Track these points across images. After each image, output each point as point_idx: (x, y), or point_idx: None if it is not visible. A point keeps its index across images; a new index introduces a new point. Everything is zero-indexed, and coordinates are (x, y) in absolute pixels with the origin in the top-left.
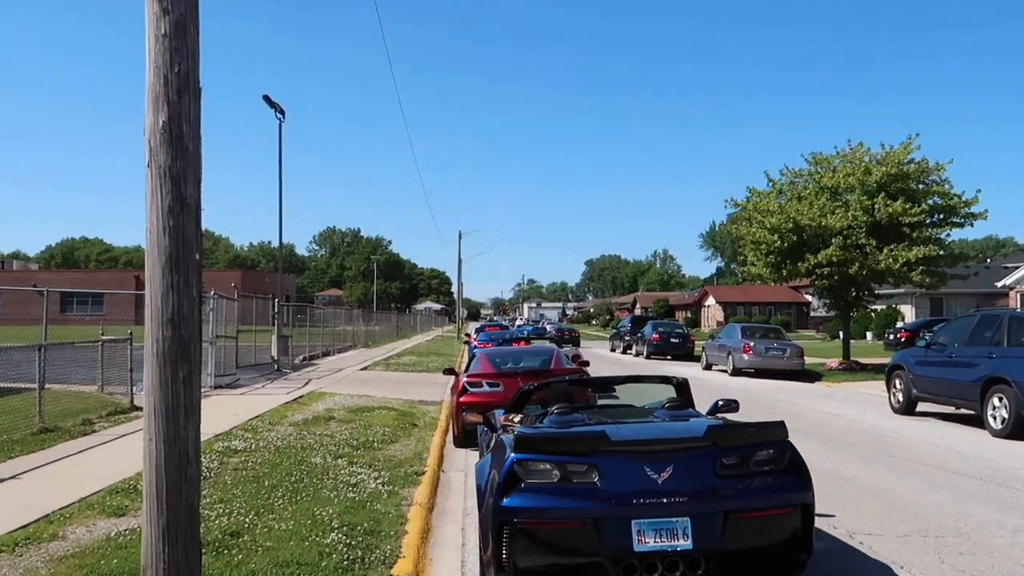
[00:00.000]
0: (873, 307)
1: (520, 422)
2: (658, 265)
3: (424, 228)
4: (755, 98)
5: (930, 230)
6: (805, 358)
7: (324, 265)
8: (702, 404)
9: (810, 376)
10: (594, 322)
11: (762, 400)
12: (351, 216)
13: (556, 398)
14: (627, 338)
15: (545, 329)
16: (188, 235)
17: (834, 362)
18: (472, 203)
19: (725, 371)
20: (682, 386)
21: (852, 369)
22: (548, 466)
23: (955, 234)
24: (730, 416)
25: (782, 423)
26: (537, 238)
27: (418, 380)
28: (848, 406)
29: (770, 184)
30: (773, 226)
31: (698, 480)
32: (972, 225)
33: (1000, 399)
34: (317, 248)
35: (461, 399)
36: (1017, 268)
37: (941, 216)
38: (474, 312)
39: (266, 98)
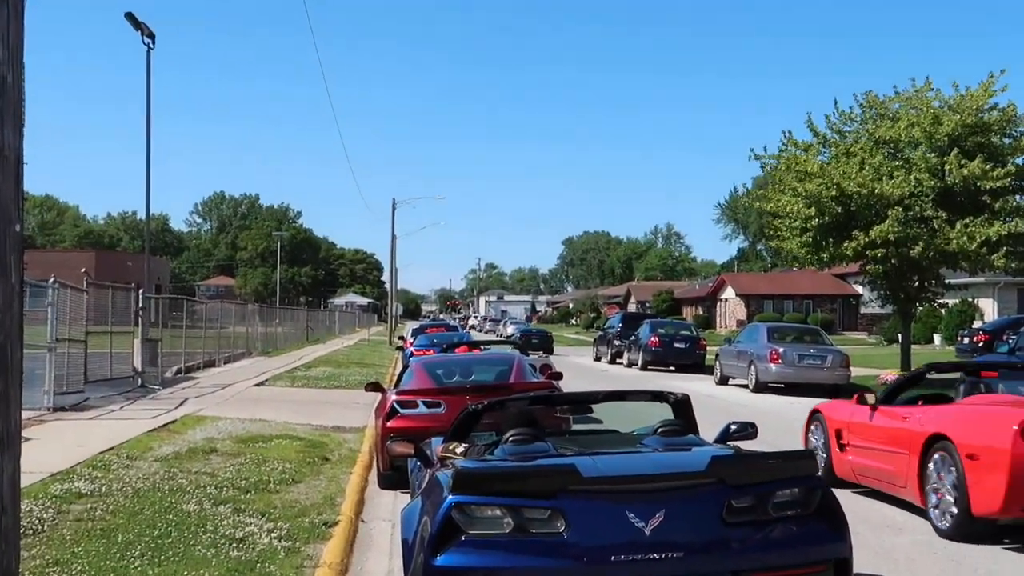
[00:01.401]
0: (943, 301)
1: (464, 453)
2: (660, 245)
3: (345, 197)
4: (791, 29)
5: (1018, 199)
6: (852, 368)
7: (209, 244)
8: (711, 430)
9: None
10: (574, 321)
11: (793, 426)
12: (247, 181)
13: (514, 422)
14: (616, 343)
15: (509, 332)
16: (3, 198)
17: (891, 374)
18: (413, 168)
19: (746, 386)
20: (681, 405)
21: None
22: (498, 511)
23: None
24: (745, 445)
25: (811, 453)
26: (498, 211)
27: (333, 399)
28: None
29: (812, 134)
30: (812, 193)
31: (699, 529)
32: None
33: None
34: (200, 221)
35: (388, 424)
36: None
37: None
38: (413, 308)
39: (130, 16)
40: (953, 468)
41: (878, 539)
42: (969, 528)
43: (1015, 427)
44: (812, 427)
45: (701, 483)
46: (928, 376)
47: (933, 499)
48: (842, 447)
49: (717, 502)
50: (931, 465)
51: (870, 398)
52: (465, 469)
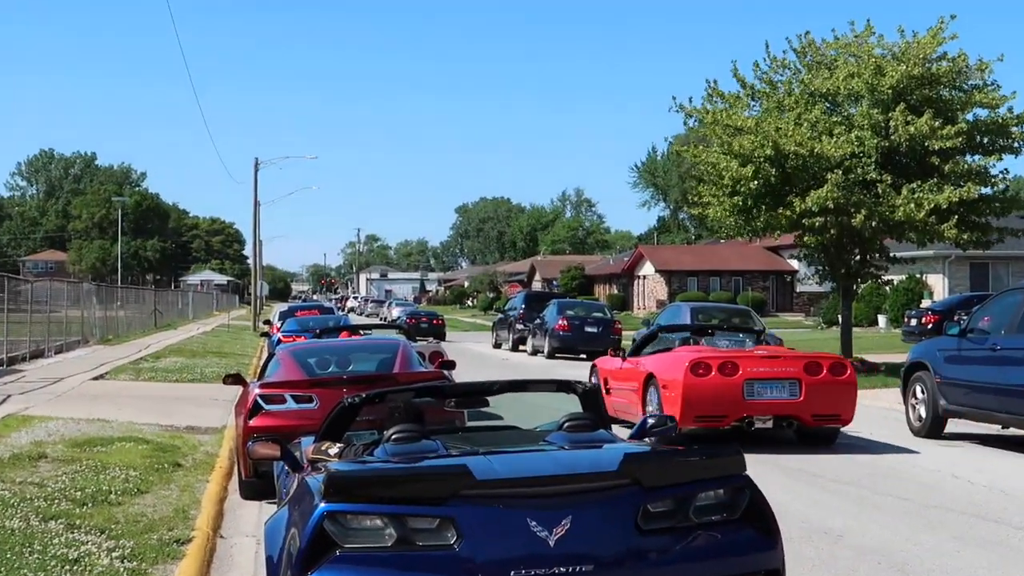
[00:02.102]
0: (888, 278)
1: (338, 455)
2: (569, 215)
3: (199, 157)
4: None
5: (970, 160)
6: None
7: (36, 212)
8: (628, 427)
9: None
10: (470, 302)
11: None
12: (80, 137)
13: (398, 418)
14: (519, 327)
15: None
16: None
17: None
18: (278, 128)
19: None
20: (590, 396)
21: (856, 371)
22: (378, 521)
23: (1009, 166)
24: (664, 441)
25: (736, 449)
26: (381, 175)
27: (187, 395)
28: (849, 427)
29: (739, 85)
30: (745, 151)
31: (610, 538)
32: None
33: None
34: (24, 185)
35: (250, 422)
36: None
37: (987, 139)
38: (282, 288)
39: None
40: (656, 395)
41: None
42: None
43: (686, 365)
44: (592, 378)
45: (613, 485)
46: (660, 335)
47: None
48: (608, 391)
49: (631, 507)
50: (647, 395)
51: (622, 353)
52: (339, 472)
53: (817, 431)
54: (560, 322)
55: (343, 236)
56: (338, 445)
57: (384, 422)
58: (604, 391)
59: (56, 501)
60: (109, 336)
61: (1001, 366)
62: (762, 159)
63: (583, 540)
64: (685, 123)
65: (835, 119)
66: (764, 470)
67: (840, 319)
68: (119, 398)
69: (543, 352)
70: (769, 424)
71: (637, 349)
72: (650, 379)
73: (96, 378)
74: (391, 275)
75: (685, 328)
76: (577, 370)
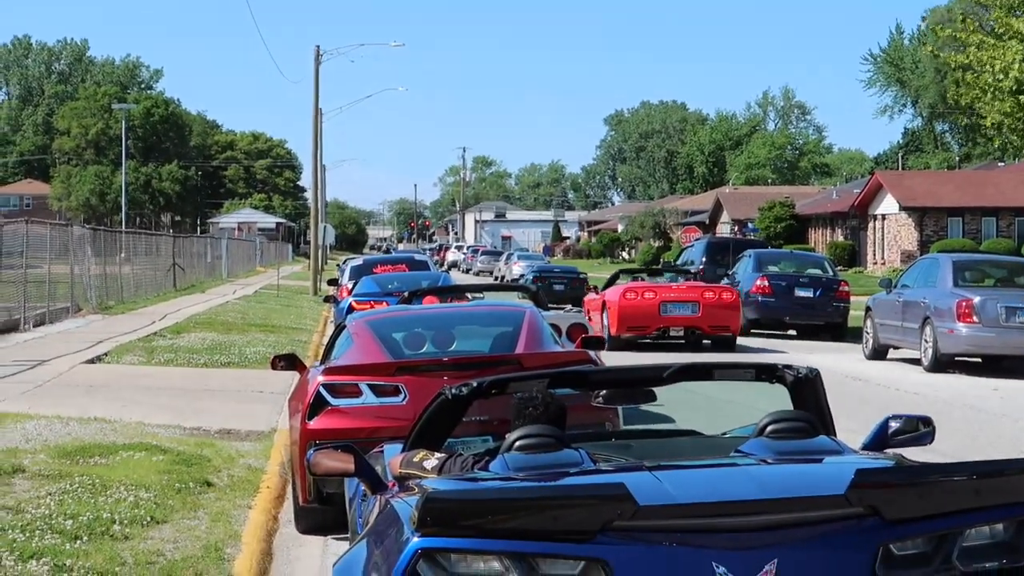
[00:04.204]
0: None
1: (438, 470)
2: (772, 126)
3: (234, 48)
4: None
5: None
6: None
7: (5, 126)
8: (860, 432)
9: None
10: (626, 254)
11: (999, 426)
12: (69, 21)
13: (524, 418)
14: None
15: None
16: None
17: None
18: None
19: (918, 361)
20: (806, 387)
21: None
22: (495, 564)
23: None
24: (913, 454)
25: (1023, 462)
26: (495, 73)
27: (220, 385)
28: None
29: None
30: None
31: None
32: None
33: None
34: None
35: (311, 423)
36: None
37: None
38: (355, 234)
39: None
40: (605, 314)
41: None
42: (614, 343)
43: (621, 292)
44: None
45: (839, 516)
46: (621, 275)
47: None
48: (589, 319)
49: (866, 547)
50: (602, 315)
51: (595, 289)
52: (439, 494)
53: (714, 337)
54: (758, 282)
55: (442, 161)
56: (437, 455)
57: (504, 423)
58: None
59: (38, 533)
60: (110, 302)
61: None
62: None
63: None
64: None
65: None
66: None
67: None
68: (124, 389)
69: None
70: (681, 333)
71: (606, 286)
72: (603, 304)
73: (92, 360)
74: (511, 215)
75: (640, 270)
76: (786, 352)
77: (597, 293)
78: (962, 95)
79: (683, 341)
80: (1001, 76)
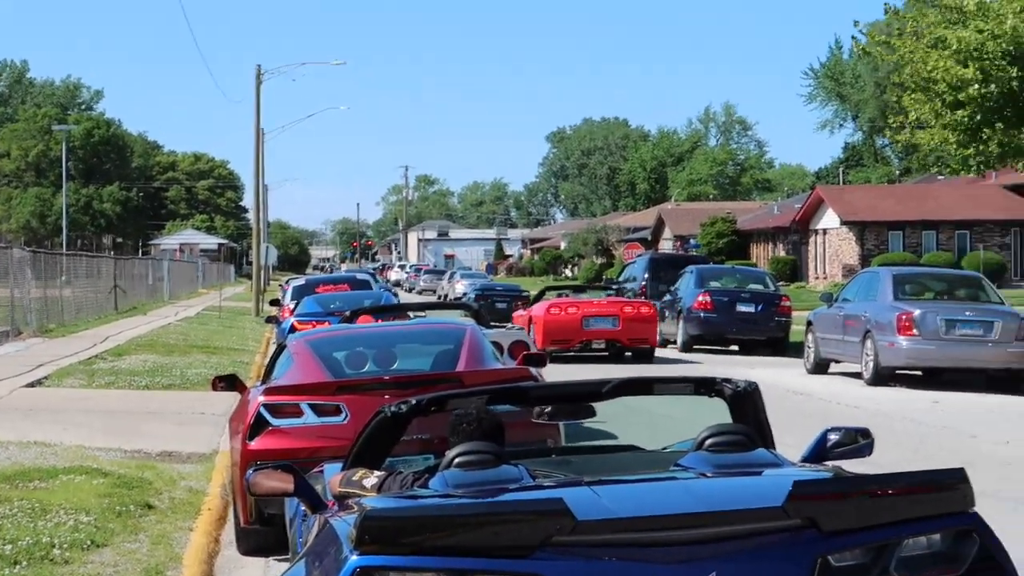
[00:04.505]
0: None
1: (377, 488)
2: (714, 142)
3: (176, 69)
4: None
5: None
6: None
7: None
8: (798, 443)
9: None
10: (569, 271)
11: (940, 437)
12: (9, 40)
13: (464, 434)
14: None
15: (459, 290)
16: None
17: None
18: (288, 31)
19: (859, 375)
20: (745, 400)
21: None
22: None
23: None
24: (852, 467)
25: (961, 472)
26: (437, 91)
27: (161, 407)
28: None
29: None
30: (968, 45)
31: None
32: None
33: None
34: None
35: (252, 444)
36: None
37: None
38: (297, 254)
39: None
40: (532, 329)
41: None
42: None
43: (546, 308)
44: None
45: (777, 528)
46: (547, 291)
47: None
48: None
49: (804, 559)
50: (529, 330)
51: (523, 304)
52: (377, 512)
53: (633, 349)
54: (700, 298)
55: (384, 179)
56: (377, 474)
57: (445, 442)
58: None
59: None
60: (51, 325)
61: None
62: (995, 55)
63: None
64: (887, 7)
65: None
66: (1002, 509)
67: None
68: (64, 412)
69: (675, 342)
70: (603, 345)
71: (533, 302)
72: (530, 319)
73: (32, 384)
74: (454, 233)
75: (566, 287)
76: (728, 367)
77: (524, 310)
78: (898, 112)
79: (606, 353)
80: (937, 90)
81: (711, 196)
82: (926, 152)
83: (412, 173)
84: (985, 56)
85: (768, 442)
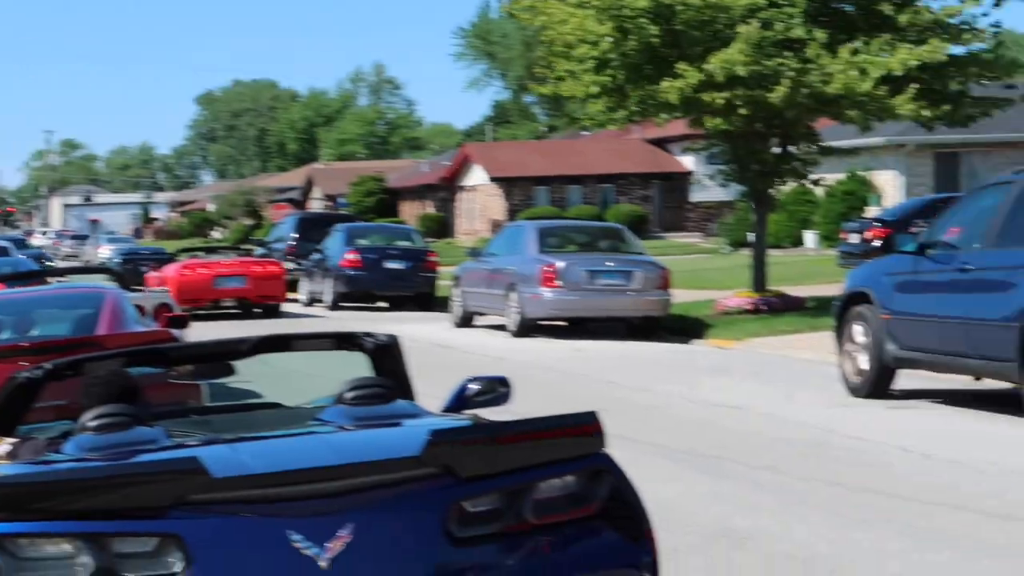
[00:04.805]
0: (817, 176)
1: (9, 456)
2: (364, 102)
3: None
4: None
5: (936, 9)
6: (675, 290)
7: None
8: (443, 395)
9: (683, 329)
10: (217, 233)
11: (581, 384)
12: None
13: (100, 398)
14: (289, 265)
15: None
16: None
17: (734, 297)
18: None
19: (506, 327)
20: (385, 353)
21: (770, 311)
22: (67, 546)
23: (993, 17)
24: (490, 414)
25: (592, 416)
26: (75, 50)
27: None
28: (759, 388)
29: None
30: (610, 4)
31: (410, 552)
32: None
33: None
34: None
35: None
36: None
37: None
38: None
39: None
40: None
41: None
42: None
43: (178, 268)
44: None
45: (414, 477)
46: (181, 253)
47: None
48: None
49: (441, 507)
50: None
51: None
52: (4, 480)
53: (263, 306)
54: (348, 256)
55: (26, 144)
56: (9, 441)
57: (81, 405)
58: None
59: None
60: None
61: (972, 293)
62: (634, 12)
63: (370, 558)
64: None
65: None
66: (638, 452)
67: (751, 239)
68: None
69: (324, 300)
70: (233, 302)
71: (168, 264)
72: (163, 281)
73: None
74: (100, 198)
75: (199, 249)
76: (376, 324)
77: (157, 272)
78: (545, 69)
79: (239, 311)
80: (580, 48)
81: (361, 156)
82: (571, 108)
83: (56, 137)
84: (624, 13)
85: (408, 394)
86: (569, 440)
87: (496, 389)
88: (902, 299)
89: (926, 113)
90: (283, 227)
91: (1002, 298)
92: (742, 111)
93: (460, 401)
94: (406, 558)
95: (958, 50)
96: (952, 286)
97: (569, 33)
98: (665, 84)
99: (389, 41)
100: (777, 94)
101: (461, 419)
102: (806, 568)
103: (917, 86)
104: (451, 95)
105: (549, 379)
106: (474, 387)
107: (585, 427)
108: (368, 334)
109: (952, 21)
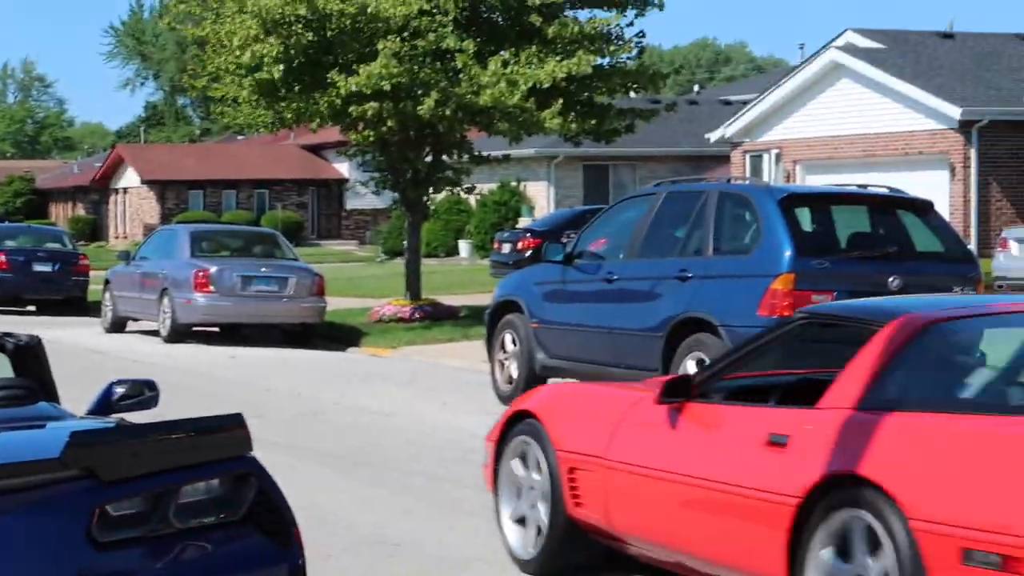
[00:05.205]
0: (471, 184)
1: None
2: (12, 99)
3: None
4: None
5: (584, 17)
6: (331, 297)
7: None
8: (91, 398)
9: (339, 337)
10: None
11: (235, 390)
12: None
13: None
14: None
15: None
16: None
17: (388, 305)
18: None
19: (157, 332)
20: (26, 355)
21: (425, 318)
22: None
23: (639, 27)
24: (138, 417)
25: (238, 417)
26: None
27: None
28: (413, 396)
29: None
30: (269, 9)
31: (48, 559)
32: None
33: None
34: None
35: None
36: (746, 106)
37: None
38: None
39: None
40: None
41: None
42: None
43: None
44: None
45: (53, 480)
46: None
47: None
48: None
49: (82, 510)
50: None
51: None
52: None
53: None
54: None
55: None
56: None
57: None
58: None
59: None
60: None
61: (617, 302)
62: (293, 19)
63: (9, 563)
64: None
65: None
66: (295, 458)
67: (406, 246)
68: None
69: None
70: None
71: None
72: None
73: None
74: None
75: None
76: (24, 327)
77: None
78: (198, 69)
79: None
80: (239, 52)
81: (9, 155)
82: (224, 112)
83: None
84: (284, 21)
85: (52, 396)
86: (214, 442)
87: (143, 392)
88: (551, 308)
89: (573, 127)
90: None
91: (646, 308)
92: (391, 123)
93: (105, 404)
94: (46, 563)
95: (606, 62)
96: (598, 296)
97: (227, 33)
98: (319, 95)
99: (39, 38)
100: (425, 107)
101: (105, 421)
102: (454, 569)
103: (563, 100)
104: (103, 95)
105: (202, 385)
106: (120, 390)
107: (231, 429)
108: (8, 334)
109: (599, 31)
